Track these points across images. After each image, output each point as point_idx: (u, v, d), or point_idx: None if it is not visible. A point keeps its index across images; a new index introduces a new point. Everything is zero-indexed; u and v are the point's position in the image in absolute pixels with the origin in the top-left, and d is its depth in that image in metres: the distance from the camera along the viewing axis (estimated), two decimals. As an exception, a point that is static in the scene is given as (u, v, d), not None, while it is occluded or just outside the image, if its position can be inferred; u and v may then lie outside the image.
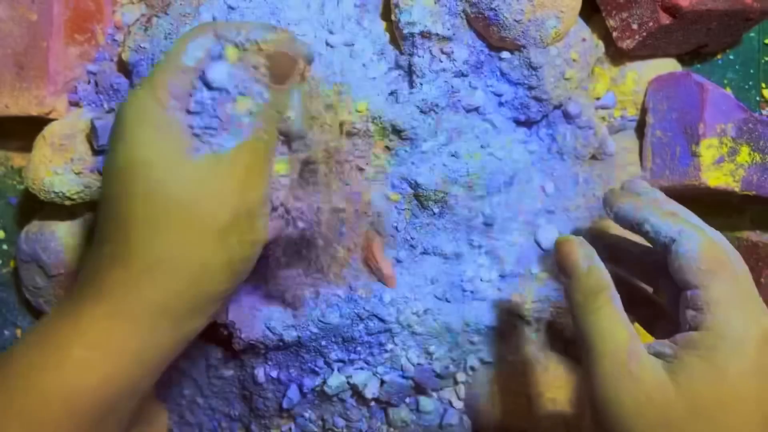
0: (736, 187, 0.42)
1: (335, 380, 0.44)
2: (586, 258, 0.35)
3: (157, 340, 0.31)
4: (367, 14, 0.43)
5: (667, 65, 0.46)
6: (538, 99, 0.43)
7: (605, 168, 0.46)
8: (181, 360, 0.46)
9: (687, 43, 0.45)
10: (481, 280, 0.44)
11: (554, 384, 0.44)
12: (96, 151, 0.45)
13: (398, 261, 0.44)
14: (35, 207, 0.51)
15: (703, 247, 0.32)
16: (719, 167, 0.42)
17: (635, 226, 0.35)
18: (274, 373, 0.46)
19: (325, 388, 0.44)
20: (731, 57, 0.48)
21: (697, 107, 0.42)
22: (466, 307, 0.44)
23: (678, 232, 0.33)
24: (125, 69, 0.46)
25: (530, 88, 0.43)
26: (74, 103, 0.47)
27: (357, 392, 0.45)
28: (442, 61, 0.42)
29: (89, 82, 0.47)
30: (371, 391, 0.44)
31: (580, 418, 0.45)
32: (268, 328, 0.43)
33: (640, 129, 0.46)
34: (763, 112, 0.48)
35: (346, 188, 0.41)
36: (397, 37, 0.42)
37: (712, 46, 0.46)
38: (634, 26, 0.43)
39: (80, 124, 0.45)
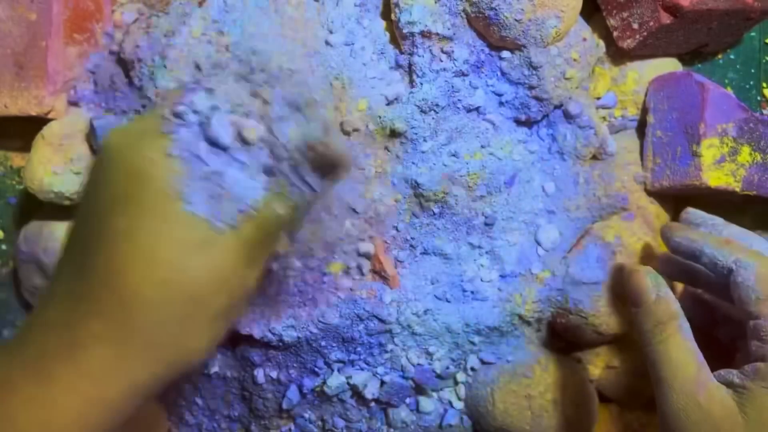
0: (737, 187, 0.42)
1: (335, 380, 0.44)
2: (654, 287, 0.35)
3: (125, 408, 0.29)
4: (367, 14, 0.43)
5: (668, 65, 0.46)
6: (538, 98, 0.43)
7: (606, 168, 0.45)
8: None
9: (688, 42, 0.45)
10: (481, 280, 0.44)
11: (554, 384, 0.44)
12: (95, 151, 0.45)
13: (399, 261, 0.44)
14: (34, 207, 0.50)
15: (760, 276, 0.32)
16: (720, 167, 0.42)
17: (694, 259, 0.36)
18: (273, 374, 0.46)
19: (325, 389, 0.44)
20: (732, 56, 0.48)
21: (697, 107, 0.42)
22: (466, 307, 0.44)
23: (734, 262, 0.33)
24: (125, 68, 0.46)
25: (531, 87, 0.43)
26: (73, 103, 0.47)
27: (357, 393, 0.45)
28: (442, 61, 0.41)
29: (88, 82, 0.47)
30: (371, 391, 0.44)
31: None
32: (268, 328, 0.43)
33: (641, 129, 0.46)
34: (764, 111, 0.48)
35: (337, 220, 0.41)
36: (397, 36, 0.42)
37: (713, 45, 0.46)
38: (635, 26, 0.42)
39: (79, 124, 0.45)
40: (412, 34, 0.41)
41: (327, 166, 0.30)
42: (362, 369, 0.45)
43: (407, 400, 0.46)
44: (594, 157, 0.46)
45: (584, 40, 0.43)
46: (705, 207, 0.47)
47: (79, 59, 0.47)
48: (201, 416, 0.49)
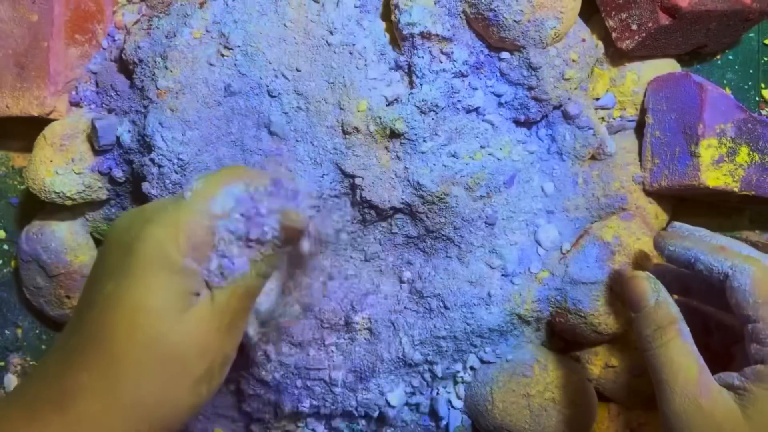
0: (736, 187, 0.42)
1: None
2: (654, 292, 0.36)
3: None
4: (367, 15, 0.43)
5: (667, 66, 0.46)
6: (537, 99, 0.43)
7: (605, 168, 0.46)
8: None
9: (686, 43, 0.45)
10: (482, 280, 0.44)
11: (553, 383, 0.44)
12: (97, 151, 0.45)
13: (410, 264, 0.45)
14: (36, 207, 0.51)
15: (756, 279, 0.32)
16: (718, 167, 0.42)
17: (689, 266, 0.36)
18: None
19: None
20: (730, 57, 0.48)
21: (696, 107, 0.42)
22: (466, 307, 0.44)
23: (730, 267, 0.33)
24: (126, 69, 0.46)
25: (530, 88, 0.43)
26: (75, 104, 0.47)
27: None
28: (441, 62, 0.42)
29: (90, 83, 0.47)
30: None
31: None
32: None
33: (640, 129, 0.46)
34: (762, 112, 0.48)
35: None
36: (397, 37, 0.42)
37: (712, 46, 0.46)
38: (634, 27, 0.43)
39: (81, 125, 0.46)
40: (412, 35, 0.41)
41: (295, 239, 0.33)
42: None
43: (408, 400, 0.47)
44: (593, 158, 0.46)
45: (583, 41, 0.43)
46: (703, 207, 0.48)
47: (81, 60, 0.47)
48: (204, 420, 0.49)
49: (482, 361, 0.46)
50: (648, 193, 0.46)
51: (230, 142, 0.43)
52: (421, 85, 0.41)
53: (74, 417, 0.29)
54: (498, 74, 0.43)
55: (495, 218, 0.44)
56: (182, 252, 0.30)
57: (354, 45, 0.42)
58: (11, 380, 0.53)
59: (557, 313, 0.45)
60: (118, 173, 0.45)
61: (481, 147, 0.43)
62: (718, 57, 0.48)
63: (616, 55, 0.46)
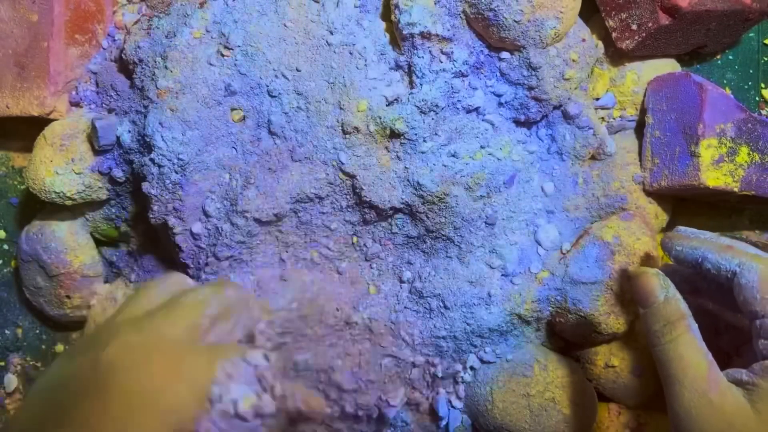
0: (736, 187, 0.42)
1: None
2: (662, 288, 0.36)
3: None
4: (367, 15, 0.43)
5: (667, 65, 0.46)
6: (537, 99, 0.43)
7: (605, 168, 0.46)
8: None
9: (686, 43, 0.45)
10: (482, 280, 0.44)
11: (553, 383, 0.44)
12: (97, 151, 0.45)
13: (410, 264, 0.45)
14: (36, 207, 0.51)
15: (763, 276, 0.33)
16: (718, 167, 0.42)
17: (696, 266, 0.36)
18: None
19: None
20: (730, 57, 0.48)
21: (696, 107, 0.42)
22: (466, 307, 0.44)
23: (737, 265, 0.34)
24: (126, 69, 0.46)
25: (530, 88, 0.43)
26: (75, 104, 0.47)
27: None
28: (441, 62, 0.42)
29: (90, 83, 0.47)
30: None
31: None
32: None
33: (640, 129, 0.46)
34: (762, 112, 0.48)
35: None
36: (397, 37, 0.42)
37: (712, 46, 0.46)
38: (634, 27, 0.43)
39: (81, 125, 0.46)
40: (412, 35, 0.41)
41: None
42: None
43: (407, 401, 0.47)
44: (593, 158, 0.46)
45: (583, 40, 0.43)
46: (703, 207, 0.48)
47: (81, 60, 0.47)
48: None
49: (482, 361, 0.46)
50: (648, 193, 0.46)
51: (230, 142, 0.43)
52: (421, 85, 0.42)
53: None
54: (498, 74, 0.43)
55: (495, 218, 0.44)
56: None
57: (354, 45, 0.42)
58: (11, 380, 0.53)
59: (557, 313, 0.45)
60: (118, 173, 0.45)
61: (481, 147, 0.43)
62: (718, 57, 0.48)
63: (616, 55, 0.46)
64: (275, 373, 0.30)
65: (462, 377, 0.46)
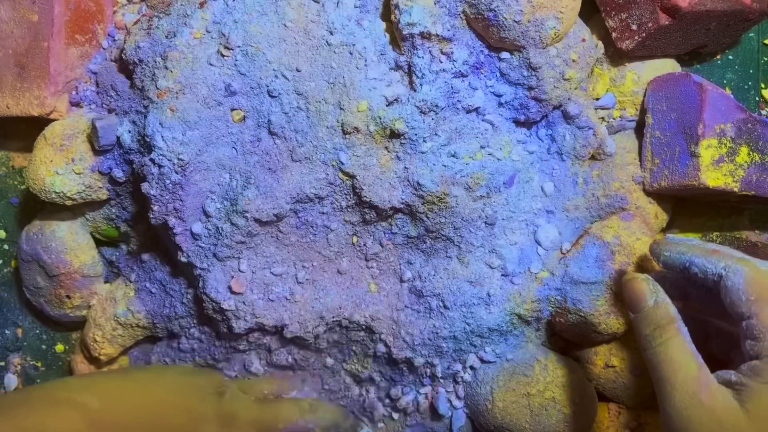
0: (736, 187, 0.42)
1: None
2: (652, 293, 0.37)
3: None
4: (367, 15, 0.43)
5: (667, 66, 0.46)
6: (537, 99, 0.43)
7: (605, 168, 0.46)
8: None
9: (686, 43, 0.45)
10: (481, 280, 0.44)
11: (553, 382, 0.44)
12: (97, 151, 0.45)
13: (410, 264, 0.45)
14: (36, 207, 0.51)
15: (748, 278, 0.33)
16: (718, 167, 0.42)
17: (684, 271, 0.37)
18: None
19: None
20: (730, 57, 0.48)
21: (696, 107, 0.42)
22: (466, 307, 0.44)
23: (723, 268, 0.34)
24: (126, 69, 0.46)
25: (530, 88, 0.43)
26: (75, 104, 0.47)
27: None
28: (441, 62, 0.42)
29: (90, 83, 0.47)
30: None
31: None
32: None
33: (640, 129, 0.46)
34: (762, 112, 0.48)
35: None
36: (397, 37, 0.42)
37: (712, 46, 0.46)
38: (634, 27, 0.43)
39: (81, 125, 0.46)
40: (412, 36, 0.41)
41: None
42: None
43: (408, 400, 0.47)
44: (593, 158, 0.46)
45: (583, 41, 0.43)
46: (703, 207, 0.48)
47: (81, 60, 0.47)
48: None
49: (482, 361, 0.46)
50: (648, 193, 0.46)
51: (230, 143, 0.43)
52: (421, 85, 0.42)
53: None
54: (498, 74, 0.43)
55: (495, 218, 0.44)
56: None
57: (354, 45, 0.42)
58: (11, 380, 0.53)
59: (557, 313, 0.45)
60: (119, 173, 0.45)
61: (481, 147, 0.43)
62: (718, 57, 0.48)
63: (616, 55, 0.46)
64: None
65: (462, 377, 0.46)
